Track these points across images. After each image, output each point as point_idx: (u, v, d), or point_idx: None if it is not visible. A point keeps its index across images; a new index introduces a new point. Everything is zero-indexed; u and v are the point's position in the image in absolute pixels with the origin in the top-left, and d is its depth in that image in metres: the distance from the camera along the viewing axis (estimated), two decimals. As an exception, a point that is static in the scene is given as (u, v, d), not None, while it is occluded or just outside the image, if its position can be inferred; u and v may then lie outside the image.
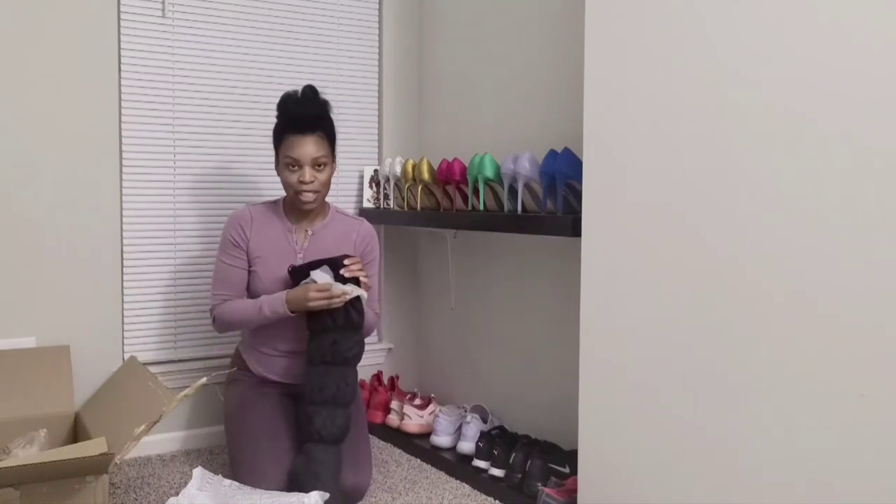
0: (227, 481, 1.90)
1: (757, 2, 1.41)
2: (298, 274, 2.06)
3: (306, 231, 2.19)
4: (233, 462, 2.11)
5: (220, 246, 2.19)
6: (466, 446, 2.27)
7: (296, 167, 2.08)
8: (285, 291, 2.06)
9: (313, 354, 2.03)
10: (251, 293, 2.17)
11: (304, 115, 2.08)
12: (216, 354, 2.50)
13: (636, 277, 1.64)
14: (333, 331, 2.02)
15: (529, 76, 2.35)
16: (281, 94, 2.14)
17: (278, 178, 2.16)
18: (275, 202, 2.24)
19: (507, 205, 2.16)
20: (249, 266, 2.16)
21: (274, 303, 2.05)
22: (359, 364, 2.09)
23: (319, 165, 2.10)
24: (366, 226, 2.26)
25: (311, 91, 2.13)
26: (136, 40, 2.36)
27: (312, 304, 1.98)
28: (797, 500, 1.36)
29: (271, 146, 2.15)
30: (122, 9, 2.32)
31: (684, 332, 1.55)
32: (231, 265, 2.15)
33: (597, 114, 1.72)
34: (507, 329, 2.46)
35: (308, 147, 2.07)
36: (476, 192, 2.26)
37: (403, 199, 2.51)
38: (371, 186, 2.72)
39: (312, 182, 2.08)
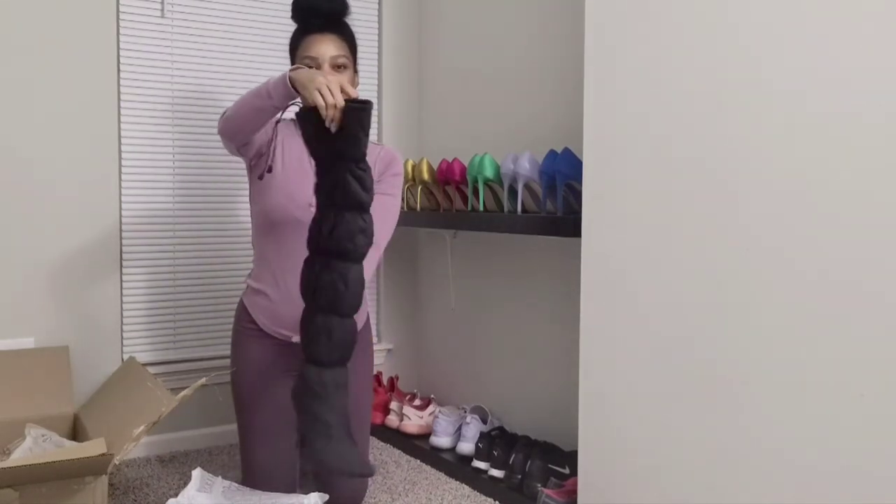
0: (227, 482, 1.90)
1: (757, 1, 1.40)
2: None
3: None
4: (243, 461, 2.02)
5: None
6: (466, 447, 2.27)
7: (314, 68, 1.86)
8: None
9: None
10: (261, 205, 1.95)
11: (318, 8, 1.91)
12: (215, 355, 2.49)
13: (636, 277, 1.64)
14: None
15: (529, 76, 2.35)
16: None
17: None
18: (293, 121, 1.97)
19: (507, 205, 2.16)
20: (269, 169, 1.91)
21: (277, 78, 1.71)
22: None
23: (340, 67, 1.89)
24: (387, 149, 2.07)
25: None
26: (135, 40, 2.36)
27: (317, 90, 1.58)
28: (797, 499, 1.36)
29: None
30: (121, 9, 2.32)
31: (684, 332, 1.54)
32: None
33: (597, 114, 1.72)
34: (507, 329, 2.46)
35: (326, 45, 1.89)
36: (476, 192, 2.25)
37: (403, 199, 2.50)
38: (371, 187, 2.72)
39: None
